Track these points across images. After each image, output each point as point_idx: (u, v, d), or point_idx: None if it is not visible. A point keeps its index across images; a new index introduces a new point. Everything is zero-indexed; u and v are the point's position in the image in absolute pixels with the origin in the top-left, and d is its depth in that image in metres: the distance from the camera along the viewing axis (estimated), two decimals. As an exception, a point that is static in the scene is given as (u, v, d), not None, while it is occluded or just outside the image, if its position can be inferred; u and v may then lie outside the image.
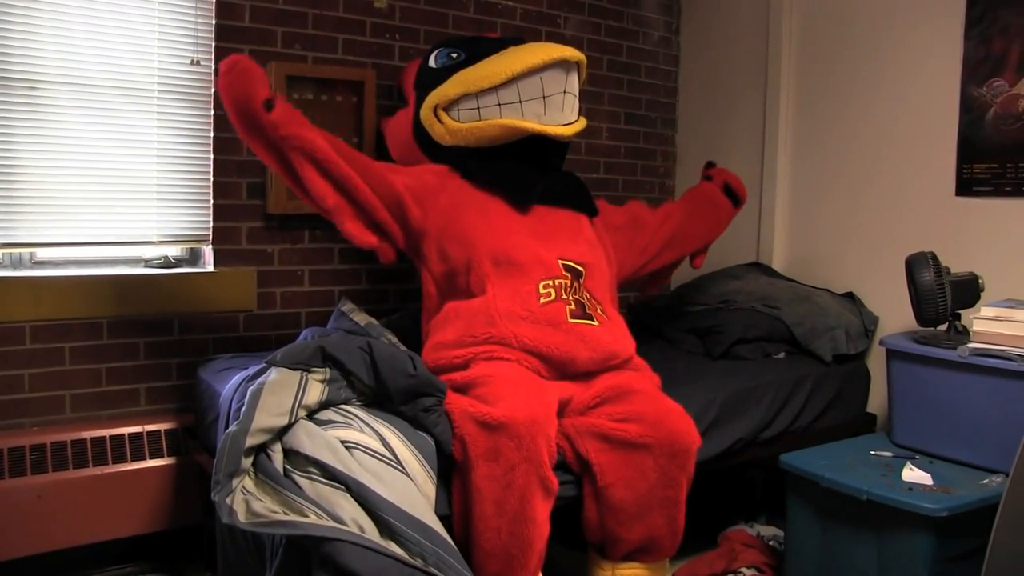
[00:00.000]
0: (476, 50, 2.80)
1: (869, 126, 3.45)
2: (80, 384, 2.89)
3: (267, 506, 1.93)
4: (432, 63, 2.87)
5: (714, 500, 3.17)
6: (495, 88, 2.61)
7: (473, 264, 2.53)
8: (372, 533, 1.91)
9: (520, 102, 2.60)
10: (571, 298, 2.53)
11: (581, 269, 2.62)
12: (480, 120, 2.66)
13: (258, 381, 2.17)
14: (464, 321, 2.47)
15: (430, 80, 2.81)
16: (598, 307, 2.60)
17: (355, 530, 1.89)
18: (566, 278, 2.56)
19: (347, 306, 2.72)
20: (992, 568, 2.04)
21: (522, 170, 2.72)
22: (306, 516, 1.90)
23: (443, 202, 2.61)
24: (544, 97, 2.59)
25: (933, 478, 2.48)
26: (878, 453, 2.73)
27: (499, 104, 2.62)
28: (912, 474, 2.51)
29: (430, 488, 2.15)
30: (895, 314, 3.26)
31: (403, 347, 2.50)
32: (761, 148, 3.84)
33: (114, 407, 2.95)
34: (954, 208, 3.14)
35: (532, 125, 2.60)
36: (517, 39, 2.91)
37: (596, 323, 2.53)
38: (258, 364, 2.36)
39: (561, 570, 2.43)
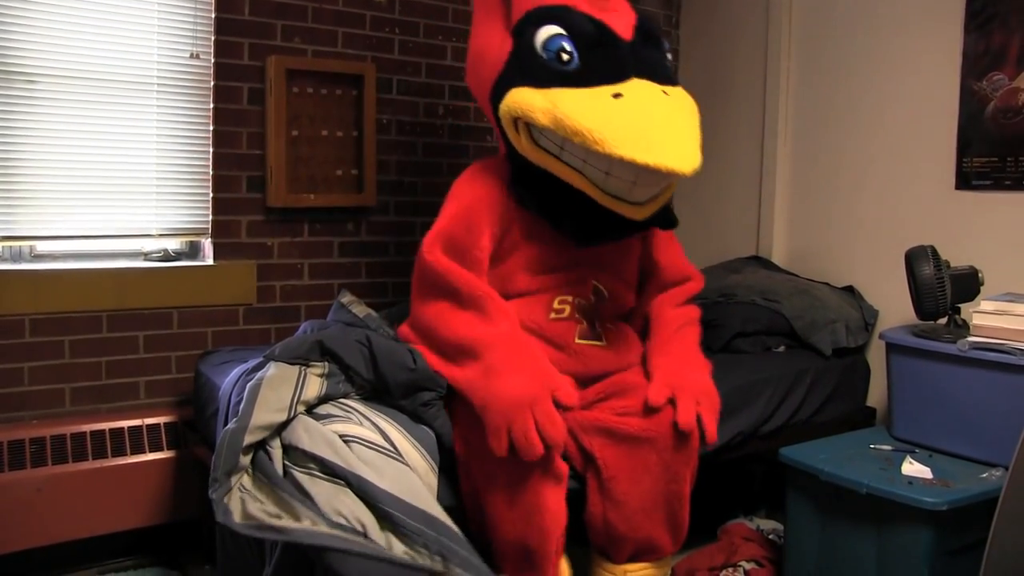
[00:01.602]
0: (591, 59, 2.26)
1: (869, 120, 3.44)
2: (80, 377, 2.89)
3: (263, 507, 1.93)
4: (538, 46, 2.28)
5: (714, 493, 3.17)
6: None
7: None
8: (373, 529, 1.91)
9: (607, 173, 2.18)
10: (583, 317, 2.47)
11: (606, 293, 2.53)
12: (560, 160, 2.26)
13: (256, 377, 2.16)
14: None
15: (527, 67, 2.30)
16: (608, 323, 2.53)
17: (358, 527, 1.89)
18: (589, 300, 2.48)
19: (347, 298, 2.71)
20: (992, 561, 2.04)
21: (587, 218, 2.37)
22: (301, 521, 1.90)
23: (498, 233, 2.42)
24: (634, 183, 2.19)
25: (933, 472, 2.48)
26: (878, 447, 2.73)
27: (585, 161, 2.21)
28: (912, 468, 2.51)
29: (432, 479, 2.15)
30: (895, 307, 3.26)
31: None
32: (760, 141, 3.83)
33: (114, 400, 2.95)
34: (954, 202, 3.14)
35: (611, 204, 2.26)
36: (648, 31, 2.39)
37: (603, 343, 2.48)
38: (257, 357, 2.35)
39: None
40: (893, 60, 3.35)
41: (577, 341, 2.44)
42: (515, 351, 2.19)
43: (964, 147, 3.10)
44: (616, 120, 2.11)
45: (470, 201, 2.40)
